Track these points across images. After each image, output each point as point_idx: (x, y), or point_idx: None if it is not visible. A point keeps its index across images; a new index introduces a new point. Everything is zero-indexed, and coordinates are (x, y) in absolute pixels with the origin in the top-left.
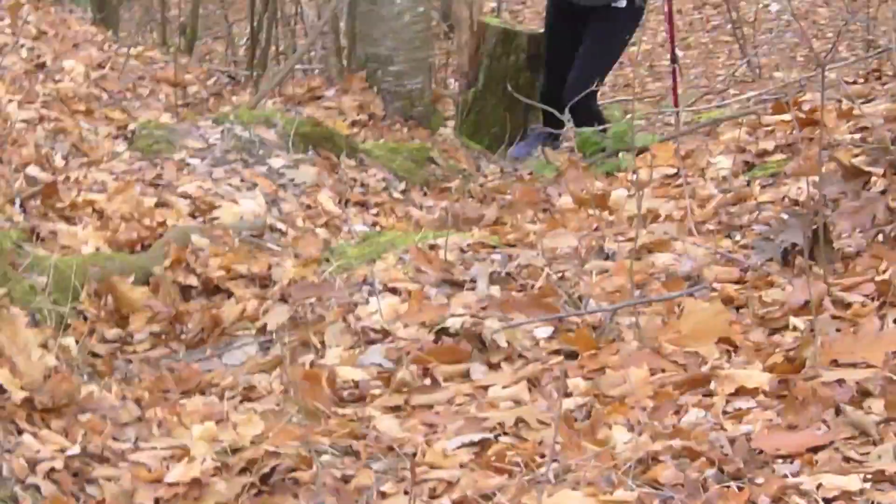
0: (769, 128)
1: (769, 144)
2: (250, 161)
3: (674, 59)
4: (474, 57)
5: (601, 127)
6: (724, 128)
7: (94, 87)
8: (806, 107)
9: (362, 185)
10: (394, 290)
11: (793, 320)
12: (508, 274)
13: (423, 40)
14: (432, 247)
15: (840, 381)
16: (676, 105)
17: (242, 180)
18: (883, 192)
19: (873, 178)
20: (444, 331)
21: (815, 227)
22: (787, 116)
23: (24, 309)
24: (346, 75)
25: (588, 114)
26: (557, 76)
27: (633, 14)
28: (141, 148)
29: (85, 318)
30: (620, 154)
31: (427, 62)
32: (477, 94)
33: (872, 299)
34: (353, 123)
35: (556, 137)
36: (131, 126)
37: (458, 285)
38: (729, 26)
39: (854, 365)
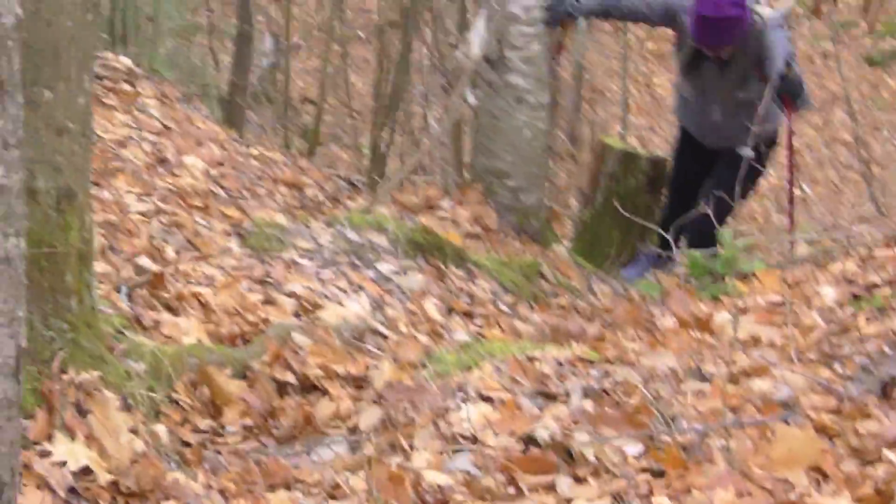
0: (879, 262)
1: (878, 278)
2: (359, 264)
3: (790, 182)
4: (594, 177)
5: (712, 250)
6: (834, 259)
7: (213, 183)
8: None
9: (469, 295)
10: (487, 399)
11: (886, 453)
12: (604, 390)
13: (542, 157)
14: (530, 358)
15: None
16: (791, 226)
17: (350, 283)
18: None
19: None
20: (532, 441)
21: None
22: None
23: (117, 393)
24: (463, 187)
25: (707, 238)
26: (681, 203)
27: (759, 155)
28: (252, 245)
29: (179, 407)
30: (727, 279)
31: (543, 179)
32: (594, 213)
33: None
34: (467, 235)
35: (669, 260)
36: (246, 224)
37: (551, 397)
38: (858, 164)
39: None
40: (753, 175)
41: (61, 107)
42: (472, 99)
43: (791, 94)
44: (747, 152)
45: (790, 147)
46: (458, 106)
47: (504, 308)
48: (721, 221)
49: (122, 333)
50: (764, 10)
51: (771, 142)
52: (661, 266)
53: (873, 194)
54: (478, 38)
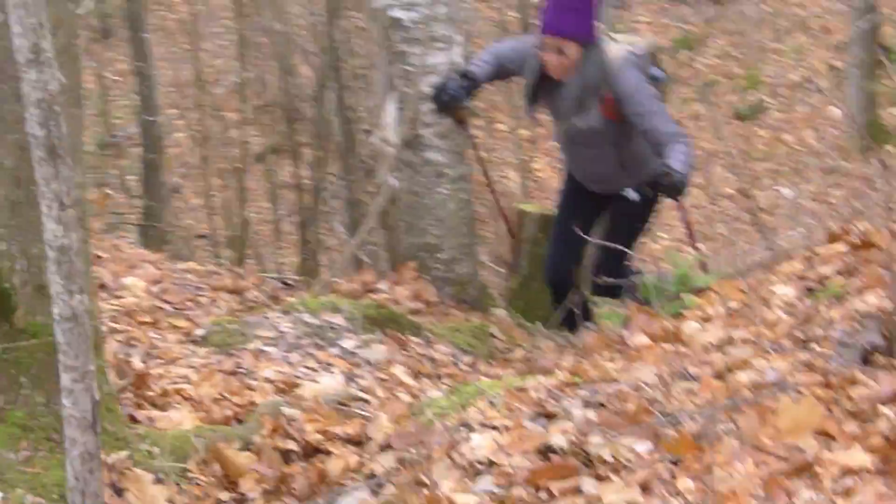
0: (824, 257)
1: (827, 270)
2: (322, 344)
3: (686, 221)
4: (514, 244)
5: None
6: (779, 263)
7: (157, 299)
8: (857, 235)
9: (431, 359)
10: (492, 427)
11: (883, 409)
12: (600, 402)
13: (469, 226)
14: (520, 389)
15: None
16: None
17: (318, 362)
18: None
19: None
20: (549, 451)
21: (892, 326)
22: (840, 246)
23: (147, 471)
24: (397, 266)
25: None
26: (564, 251)
27: (646, 205)
28: (216, 343)
29: (197, 484)
30: (683, 295)
31: (474, 247)
32: (522, 280)
33: None
34: (410, 312)
35: (586, 313)
36: (198, 331)
37: (552, 417)
38: (745, 215)
39: None
40: (641, 216)
41: None
42: (393, 181)
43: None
44: (632, 195)
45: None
46: (386, 190)
47: (465, 368)
48: (619, 263)
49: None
50: (616, 47)
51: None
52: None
53: (768, 238)
54: (391, 122)
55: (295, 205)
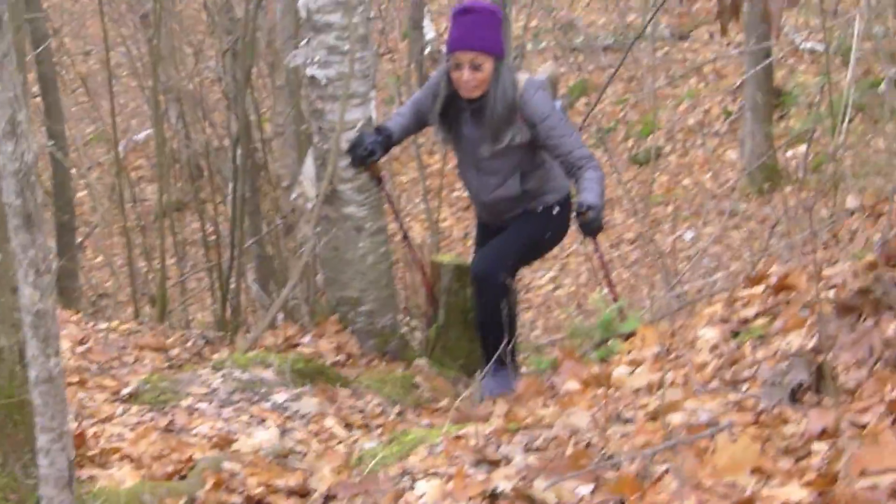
0: (745, 300)
1: (749, 312)
2: (254, 399)
3: (601, 259)
4: (430, 295)
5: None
6: (700, 307)
7: (82, 359)
8: (775, 277)
9: (361, 410)
10: (435, 474)
11: (816, 446)
12: (538, 448)
13: (389, 279)
14: (458, 437)
15: (873, 487)
16: (615, 296)
17: (251, 416)
18: (876, 324)
19: (864, 314)
20: (494, 496)
21: (818, 365)
22: (759, 288)
23: None
24: (320, 320)
25: (500, 289)
26: (487, 250)
27: (551, 218)
28: (148, 401)
29: None
30: (610, 340)
31: (394, 299)
32: (440, 329)
33: (885, 417)
34: (334, 364)
35: (510, 365)
36: (124, 390)
37: (494, 463)
38: (647, 259)
39: (882, 472)
40: (540, 231)
41: (13, 265)
42: (309, 232)
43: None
44: (537, 208)
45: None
46: (309, 246)
47: (395, 417)
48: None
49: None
50: (520, 74)
51: (562, 205)
52: (510, 369)
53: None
54: (309, 178)
55: (201, 261)
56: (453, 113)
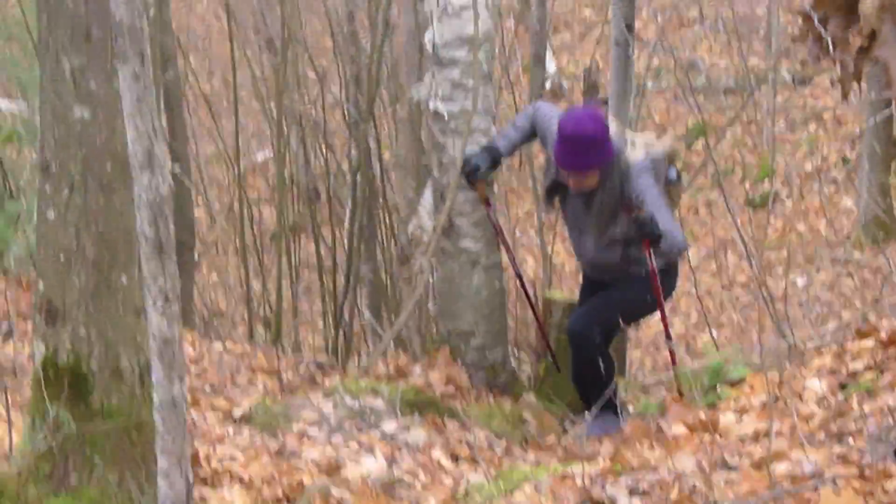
0: (854, 353)
1: (858, 366)
2: (364, 427)
3: (668, 337)
4: (542, 332)
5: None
6: (810, 358)
7: (196, 379)
8: (885, 331)
9: (468, 443)
10: None
11: None
12: (643, 490)
13: (501, 314)
14: (564, 476)
15: None
16: (674, 363)
17: (360, 444)
18: None
19: None
20: None
21: None
22: (868, 342)
23: None
24: (430, 351)
25: (593, 348)
26: (586, 307)
27: (647, 281)
28: (259, 424)
29: None
30: (718, 387)
31: (505, 334)
32: (549, 365)
33: None
34: (442, 395)
35: (615, 407)
36: (237, 412)
37: (598, 503)
38: (758, 303)
39: None
40: (643, 293)
41: (137, 289)
42: (425, 264)
43: (648, 236)
44: (640, 272)
45: (657, 290)
46: (424, 277)
47: (500, 452)
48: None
49: None
50: (634, 155)
51: (667, 271)
52: (615, 413)
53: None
54: (427, 210)
55: (316, 286)
56: (562, 190)
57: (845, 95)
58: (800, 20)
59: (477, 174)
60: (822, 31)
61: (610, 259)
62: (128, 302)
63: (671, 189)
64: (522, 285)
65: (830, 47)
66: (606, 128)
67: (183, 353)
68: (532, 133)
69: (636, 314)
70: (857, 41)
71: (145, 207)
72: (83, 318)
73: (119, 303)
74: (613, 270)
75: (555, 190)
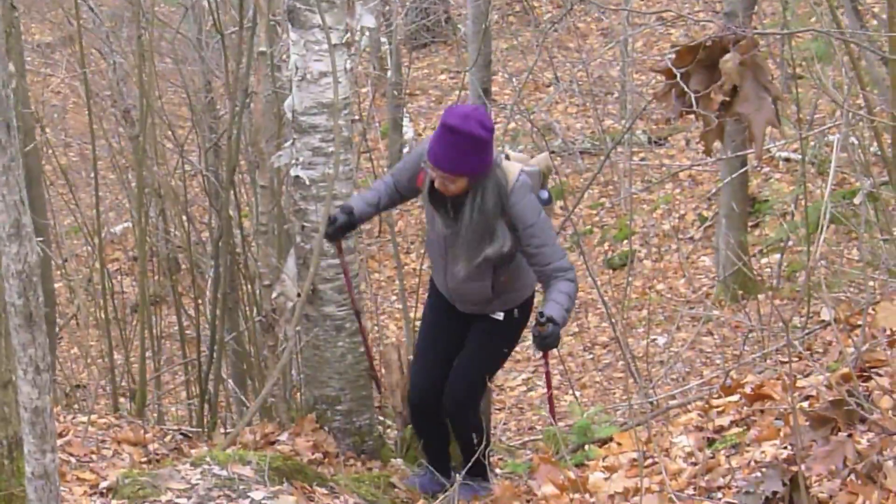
0: (719, 408)
1: (724, 421)
2: (233, 496)
3: (547, 376)
4: (404, 396)
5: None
6: (676, 414)
7: (61, 452)
8: (750, 387)
9: None
10: None
11: None
12: None
13: (367, 379)
14: None
15: None
16: (554, 420)
17: None
18: (849, 436)
19: (838, 425)
20: None
21: (791, 475)
22: (734, 397)
23: None
24: (297, 418)
25: (475, 420)
26: (430, 372)
27: (513, 326)
28: (127, 495)
29: None
30: (586, 446)
31: (372, 399)
32: (413, 432)
33: None
34: (310, 462)
35: (483, 469)
36: (103, 484)
37: None
38: (620, 363)
39: None
40: (507, 340)
41: (4, 361)
42: (290, 331)
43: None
44: (498, 315)
45: (546, 364)
46: (290, 344)
47: None
48: (481, 387)
49: None
50: (511, 167)
51: (523, 307)
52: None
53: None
54: (291, 277)
55: (177, 356)
56: (437, 198)
57: (708, 152)
58: (661, 77)
59: (337, 236)
60: (685, 87)
61: (478, 287)
62: None
63: (544, 210)
64: (359, 319)
65: (693, 103)
66: (492, 130)
67: (54, 424)
68: (399, 185)
69: (495, 368)
70: (718, 97)
71: (14, 278)
72: None
73: None
74: (474, 300)
75: (431, 203)
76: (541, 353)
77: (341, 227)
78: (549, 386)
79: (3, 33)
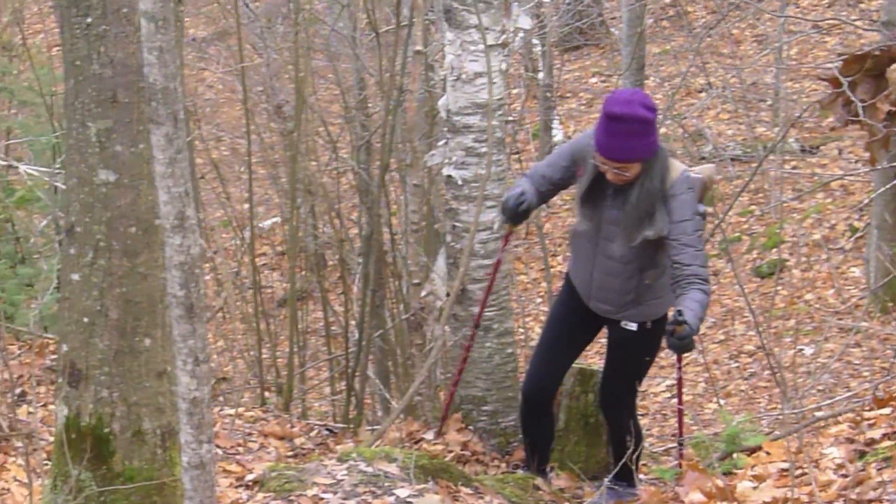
0: (871, 421)
1: (876, 434)
2: (378, 492)
3: (679, 386)
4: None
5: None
6: (825, 426)
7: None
8: None
9: None
10: None
11: None
12: None
13: (513, 379)
14: None
15: None
16: (681, 432)
17: None
18: None
19: None
20: None
21: None
22: (886, 410)
23: None
24: (444, 417)
25: (629, 422)
26: (549, 369)
27: (648, 336)
28: (273, 489)
29: None
30: (735, 454)
31: (518, 400)
32: (559, 432)
33: None
34: (455, 462)
35: (630, 474)
36: (249, 477)
37: None
38: (766, 373)
39: None
40: (647, 351)
41: (160, 352)
42: (438, 330)
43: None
44: (631, 326)
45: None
46: (439, 343)
47: None
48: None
49: None
50: (677, 163)
51: (658, 322)
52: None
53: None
54: (441, 277)
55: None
56: (598, 186)
57: (873, 161)
58: (828, 85)
59: (522, 206)
60: (852, 96)
61: (620, 284)
62: (150, 364)
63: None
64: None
65: (860, 112)
66: (655, 110)
67: (211, 415)
68: (566, 166)
69: (640, 375)
70: (885, 107)
71: (176, 269)
72: (106, 380)
73: (141, 365)
74: (613, 299)
75: (592, 187)
76: (675, 356)
77: (526, 211)
78: (679, 396)
79: (173, 25)
